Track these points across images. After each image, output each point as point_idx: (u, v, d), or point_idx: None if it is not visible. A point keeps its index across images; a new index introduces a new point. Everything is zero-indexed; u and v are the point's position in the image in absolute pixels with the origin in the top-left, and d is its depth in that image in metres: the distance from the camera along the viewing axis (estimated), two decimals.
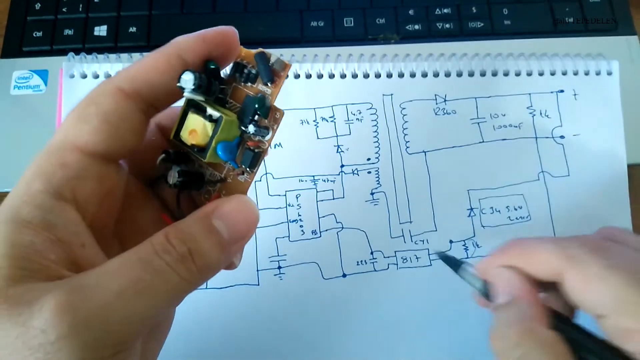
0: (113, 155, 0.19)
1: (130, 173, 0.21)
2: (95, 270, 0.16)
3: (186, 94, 0.19)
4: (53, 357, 0.14)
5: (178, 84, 0.18)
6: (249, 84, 0.20)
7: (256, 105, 0.19)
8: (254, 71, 0.20)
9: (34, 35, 0.40)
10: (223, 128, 0.19)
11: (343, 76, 0.37)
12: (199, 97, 0.19)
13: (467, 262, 0.28)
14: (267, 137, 0.20)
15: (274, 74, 0.20)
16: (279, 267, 0.34)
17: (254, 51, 0.21)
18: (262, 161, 0.21)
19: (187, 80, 0.18)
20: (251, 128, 0.19)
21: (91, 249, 0.18)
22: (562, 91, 0.37)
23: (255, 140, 0.20)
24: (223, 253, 0.18)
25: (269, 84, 0.20)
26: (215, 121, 0.19)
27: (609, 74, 0.38)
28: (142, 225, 0.21)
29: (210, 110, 0.19)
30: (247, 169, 0.20)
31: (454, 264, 0.28)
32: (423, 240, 0.35)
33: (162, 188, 0.22)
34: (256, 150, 0.20)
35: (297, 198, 0.35)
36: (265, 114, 0.20)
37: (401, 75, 0.37)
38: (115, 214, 0.20)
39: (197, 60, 0.19)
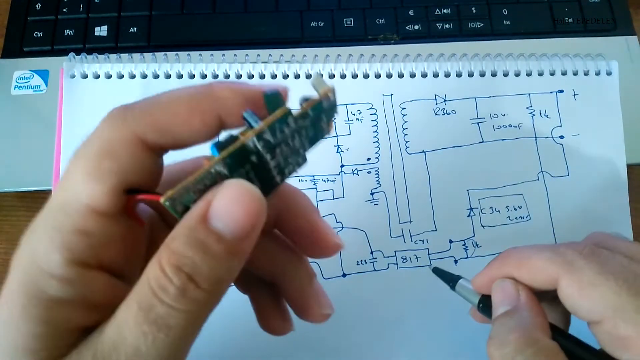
0: (134, 214, 0.17)
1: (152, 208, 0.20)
2: (106, 330, 0.15)
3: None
4: None
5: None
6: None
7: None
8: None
9: (35, 35, 0.40)
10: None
11: (343, 76, 0.37)
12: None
13: (462, 277, 0.28)
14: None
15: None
16: None
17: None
18: None
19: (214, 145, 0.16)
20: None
21: (118, 288, 0.17)
22: (561, 91, 0.37)
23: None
24: (234, 257, 0.16)
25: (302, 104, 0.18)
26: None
27: (609, 74, 0.38)
28: None
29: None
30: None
31: (449, 280, 0.28)
32: (423, 240, 0.35)
33: None
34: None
35: None
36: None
37: (401, 75, 0.37)
38: (139, 269, 0.18)
39: (236, 121, 0.17)
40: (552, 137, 0.37)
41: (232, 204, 0.15)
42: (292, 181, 0.35)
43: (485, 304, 0.26)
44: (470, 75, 0.37)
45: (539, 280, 0.23)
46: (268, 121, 0.16)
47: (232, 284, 0.20)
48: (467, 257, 0.35)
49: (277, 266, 0.22)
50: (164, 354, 0.15)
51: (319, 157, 0.36)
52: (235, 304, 0.33)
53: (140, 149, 0.16)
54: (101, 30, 0.40)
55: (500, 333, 0.22)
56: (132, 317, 0.15)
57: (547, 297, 0.25)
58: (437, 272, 0.30)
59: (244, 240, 0.16)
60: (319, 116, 0.17)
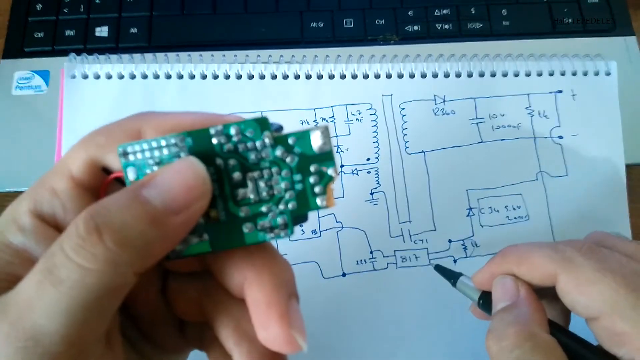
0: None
1: None
2: (19, 283, 0.14)
3: None
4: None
5: None
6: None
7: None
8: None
9: (36, 35, 0.40)
10: None
11: (343, 77, 0.37)
12: None
13: (463, 274, 0.28)
14: None
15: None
16: None
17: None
18: None
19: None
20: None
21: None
22: (560, 92, 0.38)
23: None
24: (154, 226, 0.14)
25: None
26: None
27: (608, 74, 0.38)
28: None
29: None
30: None
31: (451, 277, 0.29)
32: (422, 240, 0.35)
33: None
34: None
35: None
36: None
37: (400, 75, 0.37)
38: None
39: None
40: (551, 137, 0.37)
41: (173, 175, 0.15)
42: None
43: (485, 301, 0.26)
44: (470, 75, 0.37)
45: (538, 277, 0.23)
46: (238, 119, 0.16)
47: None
48: (466, 257, 0.35)
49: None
50: (54, 309, 0.13)
51: None
52: None
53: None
54: (102, 31, 0.40)
55: (499, 327, 0.22)
56: (37, 265, 0.14)
57: (547, 295, 0.25)
58: (439, 269, 0.30)
59: (173, 214, 0.14)
60: (306, 158, 0.15)
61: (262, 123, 0.15)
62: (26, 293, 0.14)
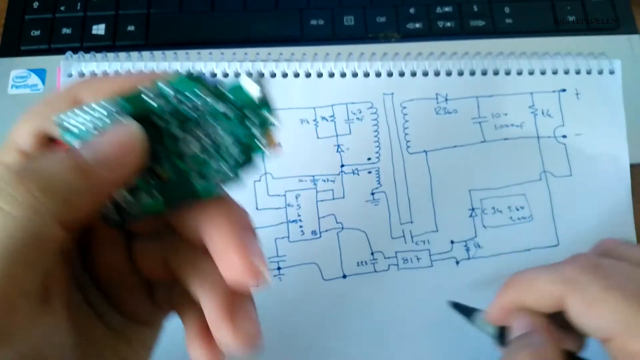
0: None
1: None
2: None
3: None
4: None
5: None
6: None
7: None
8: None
9: (32, 34, 0.39)
10: None
11: (343, 75, 0.37)
12: None
13: (479, 309, 0.28)
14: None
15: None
16: (279, 268, 0.34)
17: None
18: None
19: None
20: None
21: None
22: (564, 90, 0.37)
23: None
24: (81, 177, 0.14)
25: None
26: None
27: (611, 73, 0.37)
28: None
29: None
30: None
31: (467, 313, 0.28)
32: (424, 241, 0.34)
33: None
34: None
35: (296, 198, 0.35)
36: None
37: (402, 74, 0.37)
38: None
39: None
40: (555, 137, 0.36)
41: (107, 135, 0.15)
42: (292, 181, 0.35)
43: (502, 335, 0.25)
44: (472, 74, 0.37)
45: (546, 303, 0.23)
46: (174, 77, 0.16)
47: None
48: (468, 258, 0.34)
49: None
50: None
51: (319, 157, 0.35)
52: None
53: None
54: (99, 29, 0.40)
55: (512, 351, 0.22)
56: None
57: (564, 321, 0.24)
58: (455, 306, 0.29)
59: (102, 169, 0.15)
60: (242, 110, 0.16)
61: (197, 80, 0.16)
62: None
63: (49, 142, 0.17)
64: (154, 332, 0.21)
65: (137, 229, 0.19)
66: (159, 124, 0.16)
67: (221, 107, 0.16)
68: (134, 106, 0.16)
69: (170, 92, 0.16)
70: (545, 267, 0.24)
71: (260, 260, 0.17)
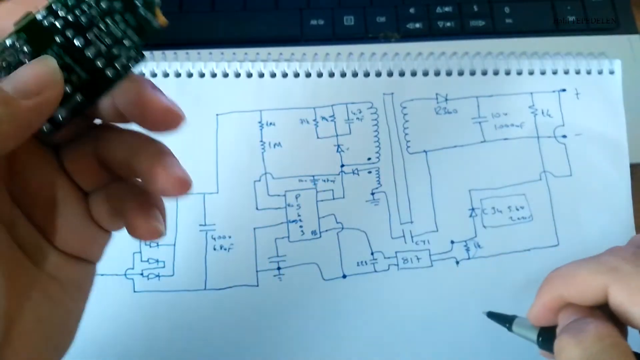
0: None
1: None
2: None
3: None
4: None
5: None
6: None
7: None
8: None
9: None
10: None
11: (343, 75, 0.37)
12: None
13: (517, 316, 0.27)
14: None
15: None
16: (279, 268, 0.34)
17: None
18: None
19: None
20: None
21: None
22: (564, 90, 0.37)
23: None
24: (2, 105, 0.16)
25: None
26: None
27: (611, 73, 0.37)
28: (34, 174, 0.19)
29: None
30: None
31: (505, 321, 0.27)
32: (424, 241, 0.34)
33: (65, 151, 0.21)
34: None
35: (296, 198, 0.35)
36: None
37: (402, 74, 0.37)
38: (1, 167, 0.19)
39: None
40: (555, 137, 0.36)
41: (25, 69, 0.16)
42: (292, 181, 0.35)
43: (544, 337, 0.25)
44: (472, 74, 0.37)
45: (589, 295, 0.22)
46: None
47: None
48: (468, 258, 0.34)
49: (124, 150, 0.20)
50: None
51: (319, 157, 0.35)
52: (234, 305, 0.33)
53: None
54: None
55: (574, 326, 0.21)
56: None
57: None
58: (492, 316, 0.28)
59: (23, 98, 0.16)
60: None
61: None
62: None
63: None
64: (89, 272, 0.22)
65: (62, 137, 0.20)
66: (60, 39, 0.18)
67: (108, 5, 0.18)
68: (33, 32, 0.17)
69: (60, 7, 0.17)
70: (584, 260, 0.24)
71: (183, 173, 0.19)
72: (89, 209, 0.21)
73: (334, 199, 0.35)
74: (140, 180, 0.20)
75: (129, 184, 0.21)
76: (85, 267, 0.21)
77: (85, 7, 0.18)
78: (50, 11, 0.17)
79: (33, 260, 0.19)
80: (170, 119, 0.19)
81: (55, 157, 0.20)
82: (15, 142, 0.16)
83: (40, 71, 0.16)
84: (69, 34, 0.17)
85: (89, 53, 0.18)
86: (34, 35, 0.17)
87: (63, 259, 0.20)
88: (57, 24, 0.17)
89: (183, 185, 0.19)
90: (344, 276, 0.34)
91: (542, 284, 0.25)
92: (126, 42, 0.18)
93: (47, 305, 0.19)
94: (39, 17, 0.17)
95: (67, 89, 0.18)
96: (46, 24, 0.17)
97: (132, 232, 0.20)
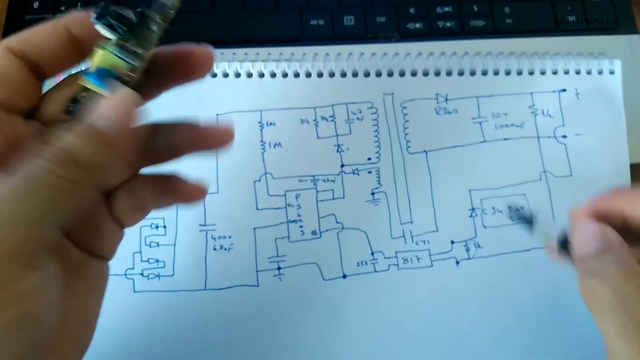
0: (9, 103, 0.20)
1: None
2: None
3: (94, 23, 0.20)
4: None
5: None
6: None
7: (129, 28, 0.20)
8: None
9: None
10: (106, 56, 0.20)
11: (343, 75, 0.37)
12: (107, 32, 0.20)
13: (539, 215, 0.28)
14: (137, 64, 0.20)
15: (163, 8, 0.21)
16: (279, 268, 0.34)
17: None
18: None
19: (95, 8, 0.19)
20: (116, 49, 0.20)
21: None
22: (564, 90, 0.37)
23: (125, 70, 0.20)
24: (109, 149, 0.18)
25: (157, 17, 0.21)
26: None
27: (612, 73, 0.37)
28: None
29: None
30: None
31: (526, 220, 0.28)
32: (424, 241, 0.34)
33: None
34: (123, 78, 0.20)
35: (296, 198, 0.35)
36: (139, 39, 0.20)
37: (402, 74, 0.37)
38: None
39: (83, 34, 0.20)
40: (555, 137, 0.36)
41: (114, 106, 0.18)
42: (292, 181, 0.35)
43: (565, 243, 0.26)
44: (472, 74, 0.37)
45: None
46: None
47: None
48: (468, 258, 0.34)
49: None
50: (24, 205, 0.16)
51: (319, 157, 0.35)
52: (234, 305, 0.33)
53: (7, 52, 0.20)
54: None
55: (601, 267, 0.22)
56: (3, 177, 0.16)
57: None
58: (512, 210, 0.30)
59: (121, 136, 0.18)
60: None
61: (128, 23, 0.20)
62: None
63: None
64: (106, 269, 0.23)
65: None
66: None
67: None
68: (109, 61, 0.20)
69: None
70: None
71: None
72: (110, 207, 0.22)
73: (334, 199, 0.35)
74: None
75: (146, 176, 0.23)
76: (102, 264, 0.22)
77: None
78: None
79: (59, 260, 0.19)
80: (227, 136, 0.22)
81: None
82: (111, 168, 0.19)
83: (123, 104, 0.18)
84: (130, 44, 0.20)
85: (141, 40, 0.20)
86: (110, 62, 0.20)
87: (85, 257, 0.21)
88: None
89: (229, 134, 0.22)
90: (344, 276, 0.34)
91: (607, 191, 0.25)
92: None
93: (75, 304, 0.20)
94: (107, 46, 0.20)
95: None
96: (116, 52, 0.20)
97: (183, 196, 0.23)
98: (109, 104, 0.18)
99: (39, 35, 0.20)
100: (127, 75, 0.20)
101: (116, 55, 0.20)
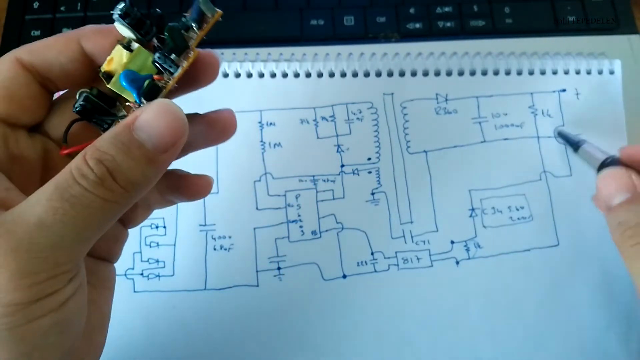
0: (15, 119, 0.19)
1: (53, 140, 0.21)
2: (17, 206, 0.17)
3: (116, 24, 0.19)
4: None
5: (112, 11, 0.19)
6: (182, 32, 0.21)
7: (167, 34, 0.19)
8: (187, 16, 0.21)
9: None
10: (135, 59, 0.19)
11: (343, 75, 0.37)
12: (126, 31, 0.19)
13: (585, 141, 0.31)
14: (175, 74, 0.20)
15: (202, 19, 0.20)
16: (279, 268, 0.34)
17: None
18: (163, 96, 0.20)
19: (118, 6, 0.19)
20: (156, 55, 0.19)
21: (15, 191, 0.18)
22: (564, 90, 0.37)
23: (161, 75, 0.20)
24: (151, 166, 0.18)
25: (194, 25, 0.20)
26: (131, 51, 0.19)
27: (611, 73, 0.37)
28: None
29: (134, 45, 0.19)
30: (143, 100, 0.20)
31: (572, 143, 0.31)
32: (424, 241, 0.34)
33: None
34: (160, 84, 0.19)
35: (297, 198, 0.35)
36: (178, 47, 0.20)
37: (402, 74, 0.37)
38: (35, 182, 0.20)
39: (96, 49, 0.20)
40: (555, 137, 0.36)
41: (155, 119, 0.17)
42: (292, 181, 0.35)
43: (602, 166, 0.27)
44: (472, 74, 0.37)
45: None
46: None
47: None
48: (468, 258, 0.34)
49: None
50: (67, 229, 0.16)
51: (319, 157, 0.35)
52: (234, 305, 0.33)
53: (17, 66, 0.19)
54: None
55: (630, 217, 0.23)
56: (46, 194, 0.16)
57: None
58: (561, 135, 0.33)
59: (163, 153, 0.18)
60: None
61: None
62: (35, 216, 0.16)
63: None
64: (113, 272, 0.23)
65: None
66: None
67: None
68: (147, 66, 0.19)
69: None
70: None
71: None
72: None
73: (334, 199, 0.35)
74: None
75: None
76: (109, 267, 0.22)
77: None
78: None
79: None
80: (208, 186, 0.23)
81: None
82: (151, 186, 0.18)
83: (175, 124, 0.18)
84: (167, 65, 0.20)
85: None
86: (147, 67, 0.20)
87: (92, 261, 0.21)
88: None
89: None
90: (344, 276, 0.34)
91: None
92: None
93: (90, 309, 0.20)
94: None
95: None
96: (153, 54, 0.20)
97: (189, 193, 0.23)
98: (157, 120, 0.17)
99: (50, 48, 0.20)
100: (164, 83, 0.19)
101: (158, 63, 0.19)
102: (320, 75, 0.36)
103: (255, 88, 0.36)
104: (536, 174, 0.36)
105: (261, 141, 0.36)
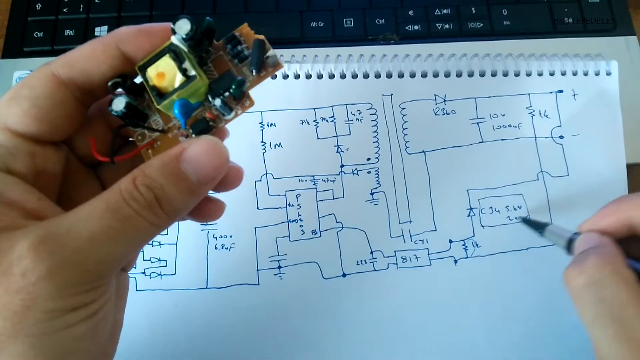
0: (44, 138, 0.20)
1: (75, 155, 0.22)
2: (65, 216, 0.17)
3: (174, 39, 0.19)
4: (36, 296, 0.16)
5: (172, 26, 0.19)
6: (236, 61, 0.21)
7: (233, 85, 0.20)
8: (246, 52, 0.21)
9: (35, 35, 0.40)
10: (191, 87, 0.19)
11: (343, 76, 0.37)
12: (184, 48, 0.19)
13: (549, 223, 0.31)
14: (228, 117, 0.20)
15: (263, 67, 0.20)
16: (279, 267, 0.34)
17: (255, 35, 0.21)
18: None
19: (182, 28, 0.19)
20: (217, 102, 0.20)
21: (47, 201, 0.19)
22: (561, 91, 0.37)
23: (214, 114, 0.20)
24: (191, 197, 0.19)
25: (254, 72, 0.20)
26: (188, 77, 0.19)
27: (608, 74, 0.38)
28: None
29: (187, 65, 0.19)
30: (192, 134, 0.20)
31: (537, 227, 0.31)
32: (423, 240, 0.35)
33: (104, 171, 0.23)
34: (210, 123, 0.20)
35: (297, 198, 0.35)
36: (238, 97, 0.20)
37: (401, 75, 0.37)
38: (55, 191, 0.21)
39: (139, 53, 0.20)
40: (552, 137, 0.37)
41: (202, 155, 0.19)
42: (293, 181, 0.35)
43: (571, 246, 0.27)
44: (470, 75, 0.37)
45: None
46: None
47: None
48: (466, 257, 0.35)
49: None
50: (116, 247, 0.17)
51: (319, 157, 0.36)
52: (235, 303, 0.33)
53: (54, 83, 0.19)
54: (101, 31, 0.40)
55: (580, 258, 0.23)
56: (98, 212, 0.17)
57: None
58: (526, 222, 0.33)
59: (204, 185, 0.19)
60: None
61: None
62: (89, 231, 0.17)
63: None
64: (127, 281, 0.23)
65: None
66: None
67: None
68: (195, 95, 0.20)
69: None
70: None
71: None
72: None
73: (334, 198, 0.35)
74: None
75: None
76: (125, 276, 0.23)
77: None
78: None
79: None
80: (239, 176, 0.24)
81: (96, 177, 0.23)
82: (187, 212, 0.20)
83: (219, 161, 0.19)
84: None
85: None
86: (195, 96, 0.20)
87: None
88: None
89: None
90: (344, 275, 0.34)
91: (609, 204, 0.26)
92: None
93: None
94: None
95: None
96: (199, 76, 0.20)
97: (203, 216, 0.23)
98: (204, 156, 0.19)
99: (89, 59, 0.19)
100: (215, 123, 0.20)
101: (218, 108, 0.20)
102: (320, 76, 0.37)
103: (256, 89, 0.36)
104: (533, 174, 0.36)
105: (262, 141, 0.36)
